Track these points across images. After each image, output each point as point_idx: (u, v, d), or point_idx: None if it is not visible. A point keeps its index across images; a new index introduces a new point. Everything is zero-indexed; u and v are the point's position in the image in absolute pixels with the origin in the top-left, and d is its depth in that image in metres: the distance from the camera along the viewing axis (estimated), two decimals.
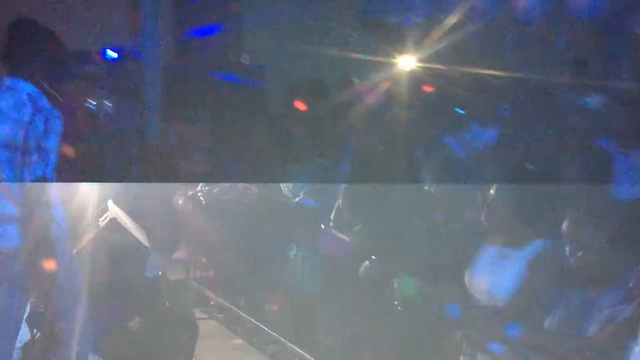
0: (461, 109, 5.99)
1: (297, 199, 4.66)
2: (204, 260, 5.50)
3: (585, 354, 2.56)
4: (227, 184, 5.21)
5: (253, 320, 4.78)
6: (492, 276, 3.19)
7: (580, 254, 2.86)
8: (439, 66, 7.12)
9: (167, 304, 3.94)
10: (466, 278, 3.34)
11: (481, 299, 3.24)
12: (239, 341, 4.82)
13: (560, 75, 7.33)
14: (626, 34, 6.28)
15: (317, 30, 8.52)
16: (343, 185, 4.47)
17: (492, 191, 3.38)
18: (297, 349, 4.32)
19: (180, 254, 5.37)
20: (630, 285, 2.49)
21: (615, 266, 2.74)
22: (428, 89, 6.67)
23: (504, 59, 6.11)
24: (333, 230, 3.91)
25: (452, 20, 6.92)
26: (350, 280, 3.96)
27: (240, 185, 5.20)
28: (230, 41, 7.85)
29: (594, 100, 5.20)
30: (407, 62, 7.23)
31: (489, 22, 6.45)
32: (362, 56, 8.32)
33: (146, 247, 4.25)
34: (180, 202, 5.13)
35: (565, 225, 2.93)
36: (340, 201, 4.20)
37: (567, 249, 3.19)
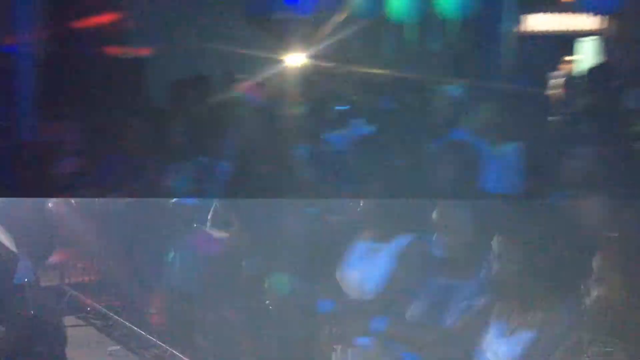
0: (343, 106, 6.06)
1: (174, 199, 4.54)
2: (80, 265, 5.28)
3: (442, 343, 2.61)
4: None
5: (130, 325, 4.63)
6: (362, 271, 3.21)
7: (446, 245, 2.91)
8: (324, 63, 7.18)
9: (32, 312, 3.73)
10: (338, 274, 3.35)
11: (352, 294, 3.27)
12: (116, 347, 4.66)
13: (433, 72, 7.58)
14: (495, 34, 6.58)
15: (200, 25, 8.42)
16: (224, 183, 4.40)
17: (364, 185, 3.41)
18: (176, 352, 4.22)
19: (54, 259, 5.12)
20: (487, 276, 2.56)
21: (476, 258, 2.81)
22: (311, 85, 6.70)
23: (383, 56, 6.22)
24: (208, 229, 3.82)
25: (336, 19, 7.01)
26: (228, 279, 3.91)
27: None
28: (110, 35, 7.59)
29: (464, 96, 5.36)
30: (292, 59, 7.26)
31: (369, 22, 6.57)
32: (247, 52, 8.28)
33: (14, 252, 4.02)
34: (50, 205, 4.89)
35: (434, 217, 2.98)
36: (217, 201, 4.13)
37: (433, 241, 3.30)
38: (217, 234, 3.77)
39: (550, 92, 8.63)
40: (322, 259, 3.58)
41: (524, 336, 2.35)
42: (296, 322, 3.34)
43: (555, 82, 10.28)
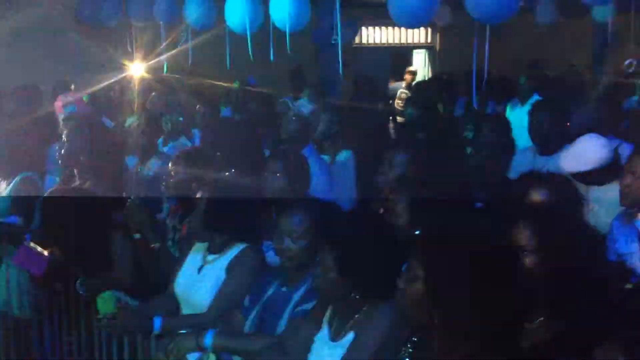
0: (181, 117, 5.98)
1: None
2: None
3: (273, 351, 2.64)
4: None
5: None
6: (196, 283, 3.18)
7: (281, 252, 2.93)
8: (161, 73, 7.06)
9: None
10: (174, 287, 3.29)
11: (185, 308, 3.22)
12: None
13: (280, 82, 7.71)
14: (331, 45, 6.79)
15: (31, 31, 8.00)
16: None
17: (199, 194, 3.35)
18: None
19: None
20: (313, 280, 2.61)
21: (307, 264, 2.86)
22: (148, 95, 6.57)
23: (222, 67, 6.23)
24: (31, 244, 3.61)
25: (173, 28, 6.92)
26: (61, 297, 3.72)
27: None
28: None
29: (307, 107, 5.49)
30: (129, 69, 7.08)
31: (208, 32, 6.54)
32: (79, 60, 7.96)
33: None
34: None
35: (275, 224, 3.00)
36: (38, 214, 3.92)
37: (266, 248, 3.34)
38: (39, 249, 3.57)
39: (385, 102, 9.04)
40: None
41: (347, 339, 2.43)
42: (127, 341, 3.24)
43: (391, 92, 10.82)
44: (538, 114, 4.48)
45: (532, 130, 4.53)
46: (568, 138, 4.58)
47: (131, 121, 4.90)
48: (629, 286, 2.67)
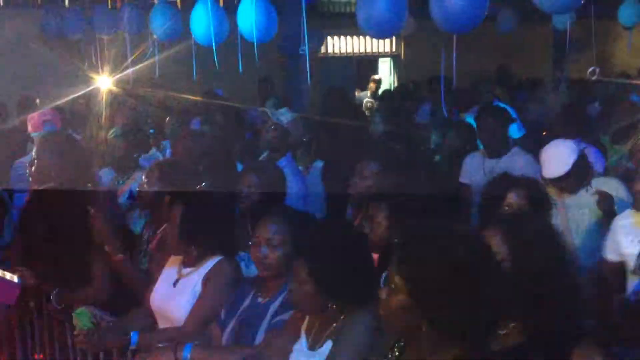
0: (153, 129, 5.96)
1: None
2: None
3: None
4: None
5: None
6: (172, 297, 3.16)
7: (259, 261, 2.93)
8: (129, 86, 7.02)
9: None
10: (149, 302, 3.27)
11: (161, 322, 3.20)
12: None
13: (241, 94, 7.72)
14: (299, 55, 6.84)
15: None
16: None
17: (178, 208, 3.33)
18: None
19: None
20: (289, 290, 2.61)
21: (283, 274, 2.85)
22: (115, 107, 6.52)
23: (190, 79, 6.21)
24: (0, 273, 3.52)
25: (141, 41, 6.89)
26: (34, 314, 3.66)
27: None
28: None
29: (286, 117, 5.50)
30: (97, 82, 7.02)
31: (175, 44, 6.53)
32: (44, 72, 7.88)
33: None
34: None
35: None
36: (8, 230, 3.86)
37: (241, 259, 3.33)
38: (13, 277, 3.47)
39: (352, 111, 9.09)
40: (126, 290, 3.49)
41: (325, 348, 2.45)
42: (104, 357, 3.20)
43: (357, 100, 10.91)
44: (484, 118, 4.64)
45: (480, 134, 4.71)
46: (515, 142, 4.79)
47: (114, 133, 4.86)
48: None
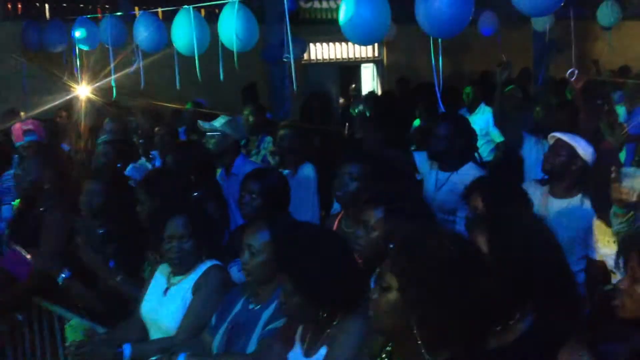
0: (141, 139, 5.95)
1: None
2: None
3: None
4: None
5: None
6: (163, 306, 3.16)
7: (242, 266, 2.93)
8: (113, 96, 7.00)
9: None
10: (140, 311, 3.27)
11: (153, 332, 3.20)
12: None
13: (225, 101, 7.73)
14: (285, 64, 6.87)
15: None
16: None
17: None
18: None
19: None
20: (282, 298, 2.60)
21: (271, 280, 2.86)
22: (100, 117, 6.51)
23: (173, 88, 6.22)
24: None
25: (122, 53, 6.88)
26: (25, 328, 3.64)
27: None
28: None
29: (217, 122, 5.48)
30: (79, 92, 7.00)
31: (156, 54, 6.53)
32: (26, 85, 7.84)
33: None
34: None
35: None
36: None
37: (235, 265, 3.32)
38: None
39: (334, 116, 9.11)
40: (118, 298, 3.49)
41: (320, 353, 2.46)
42: None
43: (341, 104, 10.95)
44: (438, 127, 4.22)
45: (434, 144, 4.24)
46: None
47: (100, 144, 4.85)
48: (609, 287, 2.76)
